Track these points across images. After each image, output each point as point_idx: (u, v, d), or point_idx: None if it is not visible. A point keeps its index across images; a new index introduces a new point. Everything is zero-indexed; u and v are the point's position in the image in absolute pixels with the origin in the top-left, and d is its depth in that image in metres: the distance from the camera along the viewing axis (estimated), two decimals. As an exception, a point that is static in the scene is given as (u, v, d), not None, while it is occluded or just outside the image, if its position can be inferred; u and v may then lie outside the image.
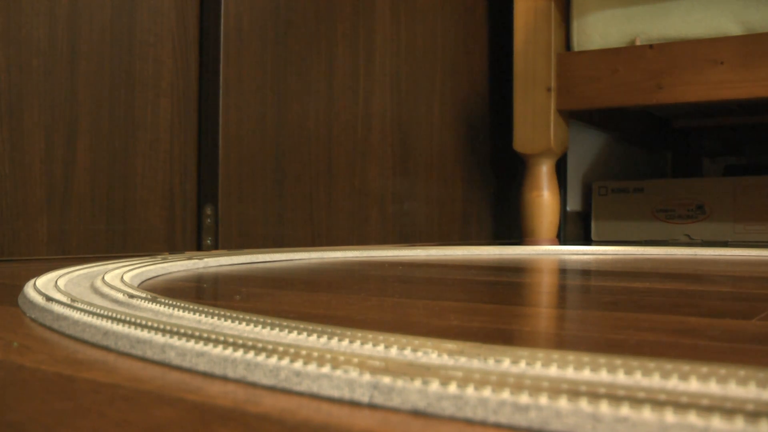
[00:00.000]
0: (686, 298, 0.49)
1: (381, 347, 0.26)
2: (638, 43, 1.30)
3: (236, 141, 1.02)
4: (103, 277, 0.48)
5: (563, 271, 0.81)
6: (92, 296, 0.41)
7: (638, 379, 0.21)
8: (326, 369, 0.22)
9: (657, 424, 0.17)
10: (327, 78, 1.17)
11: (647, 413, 0.18)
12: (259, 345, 0.25)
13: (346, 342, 0.27)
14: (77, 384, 0.24)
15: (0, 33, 0.80)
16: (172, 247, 0.97)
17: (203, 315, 0.33)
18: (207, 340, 0.26)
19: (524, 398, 0.19)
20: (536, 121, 1.36)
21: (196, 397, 0.22)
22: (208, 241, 1.00)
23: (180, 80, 0.98)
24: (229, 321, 0.31)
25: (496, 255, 1.07)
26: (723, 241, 1.51)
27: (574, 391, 0.19)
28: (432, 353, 0.25)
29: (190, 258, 0.73)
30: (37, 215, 0.83)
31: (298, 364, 0.23)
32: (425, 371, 0.21)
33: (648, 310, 0.43)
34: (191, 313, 0.33)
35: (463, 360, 0.24)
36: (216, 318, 0.32)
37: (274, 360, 0.23)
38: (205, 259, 0.74)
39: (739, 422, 0.17)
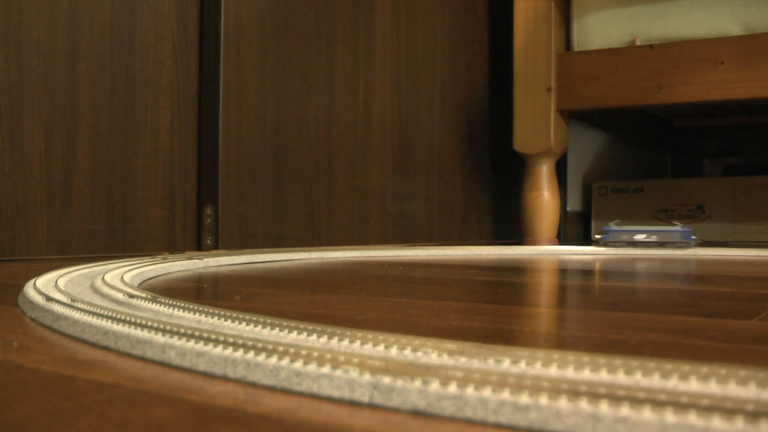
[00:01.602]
0: (686, 298, 0.49)
1: (381, 347, 0.26)
2: (638, 43, 1.30)
3: (236, 141, 1.02)
4: (103, 277, 0.48)
5: (563, 271, 0.81)
6: (92, 296, 0.41)
7: (638, 379, 0.21)
8: (326, 369, 0.22)
9: (657, 424, 0.17)
10: (327, 78, 1.17)
11: (647, 413, 0.18)
12: (259, 345, 0.25)
13: (346, 342, 0.27)
14: (77, 384, 0.24)
15: (0, 33, 0.80)
16: (172, 247, 0.97)
17: (203, 315, 0.33)
18: (207, 340, 0.26)
19: (524, 398, 0.19)
20: (536, 121, 1.36)
21: (196, 397, 0.22)
22: (208, 241, 1.00)
23: (180, 80, 0.98)
24: (229, 321, 0.31)
25: (496, 255, 1.07)
26: (723, 241, 1.51)
27: (574, 391, 0.19)
28: (432, 353, 0.25)
29: (190, 258, 0.73)
30: (37, 215, 0.83)
31: (298, 364, 0.23)
32: (425, 371, 0.21)
33: (648, 310, 0.43)
34: (191, 313, 0.33)
35: (463, 360, 0.24)
36: (216, 318, 0.32)
37: (274, 360, 0.23)
38: (205, 259, 0.74)
39: (739, 422, 0.17)
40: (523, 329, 0.37)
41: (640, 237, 1.09)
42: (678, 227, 1.11)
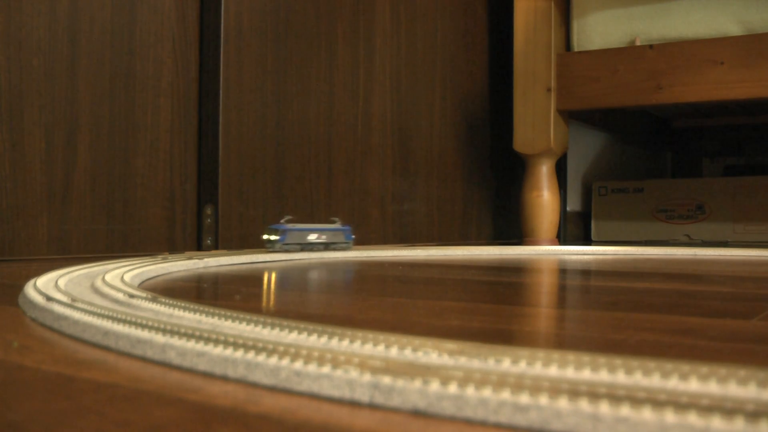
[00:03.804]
0: (686, 298, 0.49)
1: (381, 347, 0.26)
2: (638, 43, 1.30)
3: (236, 141, 1.02)
4: (103, 277, 0.48)
5: (563, 271, 0.81)
6: (92, 296, 0.41)
7: (638, 379, 0.21)
8: (326, 369, 0.22)
9: (657, 424, 0.17)
10: (327, 78, 1.17)
11: (647, 413, 0.18)
12: (260, 345, 0.25)
13: (346, 342, 0.27)
14: (77, 384, 0.24)
15: (0, 33, 0.80)
16: (172, 247, 0.97)
17: (203, 315, 0.33)
18: (207, 340, 0.26)
19: (524, 398, 0.19)
20: (536, 121, 1.36)
21: (196, 397, 0.22)
22: (208, 241, 1.00)
23: (180, 80, 0.98)
24: (229, 321, 0.31)
25: (496, 255, 1.07)
26: (723, 241, 1.51)
27: (575, 391, 0.19)
28: (432, 353, 0.25)
29: (190, 258, 0.73)
30: (37, 215, 0.83)
31: (299, 364, 0.23)
32: (425, 371, 0.21)
33: (648, 310, 0.43)
34: (191, 313, 0.33)
35: (463, 360, 0.24)
36: (216, 318, 0.32)
37: (274, 360, 0.23)
38: (205, 259, 0.74)
39: (739, 422, 0.17)
40: (523, 329, 0.37)
41: (312, 237, 0.89)
42: (338, 225, 0.94)
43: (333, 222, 0.95)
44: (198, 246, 1.00)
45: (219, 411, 0.21)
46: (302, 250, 0.88)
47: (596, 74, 1.32)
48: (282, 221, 0.87)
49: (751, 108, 1.74)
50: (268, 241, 0.85)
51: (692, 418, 0.17)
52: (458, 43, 1.48)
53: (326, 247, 0.92)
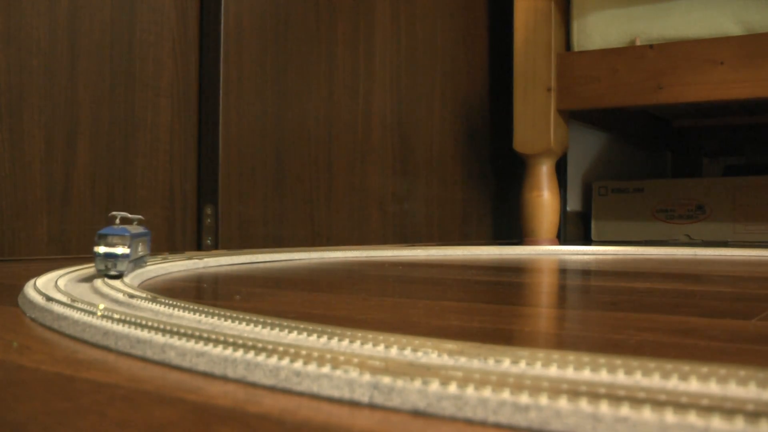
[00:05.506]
0: (686, 298, 0.49)
1: (381, 347, 0.26)
2: (638, 43, 1.30)
3: (236, 141, 1.02)
4: (103, 277, 0.47)
5: (563, 271, 0.81)
6: (92, 296, 0.41)
7: (638, 379, 0.21)
8: (326, 369, 0.22)
9: (657, 424, 0.17)
10: (327, 78, 1.17)
11: (647, 413, 0.18)
12: (259, 345, 0.25)
13: (346, 342, 0.27)
14: (77, 384, 0.24)
15: (0, 33, 0.80)
16: (172, 247, 0.97)
17: (203, 315, 0.33)
18: (207, 340, 0.26)
19: (524, 398, 0.19)
20: (536, 121, 1.36)
21: (196, 397, 0.22)
22: (208, 241, 1.00)
23: (180, 80, 0.98)
24: (229, 321, 0.31)
25: (496, 255, 1.07)
26: (723, 241, 1.51)
27: (574, 391, 0.19)
28: (432, 353, 0.25)
29: (190, 258, 0.73)
30: (37, 215, 0.83)
31: (298, 364, 0.23)
32: (425, 371, 0.21)
33: (648, 310, 0.43)
34: (191, 313, 0.33)
35: (463, 360, 0.24)
36: (216, 318, 0.32)
37: (274, 360, 0.23)
38: (205, 259, 0.74)
39: (739, 422, 0.17)
40: (523, 329, 0.37)
41: (140, 249, 0.57)
42: (143, 229, 0.59)
43: (131, 223, 0.58)
44: (198, 246, 1.00)
45: (219, 411, 0.21)
46: (135, 267, 0.58)
47: (596, 74, 1.32)
48: (119, 220, 0.55)
49: (751, 108, 1.74)
50: (109, 255, 0.51)
51: (692, 418, 0.17)
52: (458, 43, 1.48)
53: (141, 260, 0.60)
